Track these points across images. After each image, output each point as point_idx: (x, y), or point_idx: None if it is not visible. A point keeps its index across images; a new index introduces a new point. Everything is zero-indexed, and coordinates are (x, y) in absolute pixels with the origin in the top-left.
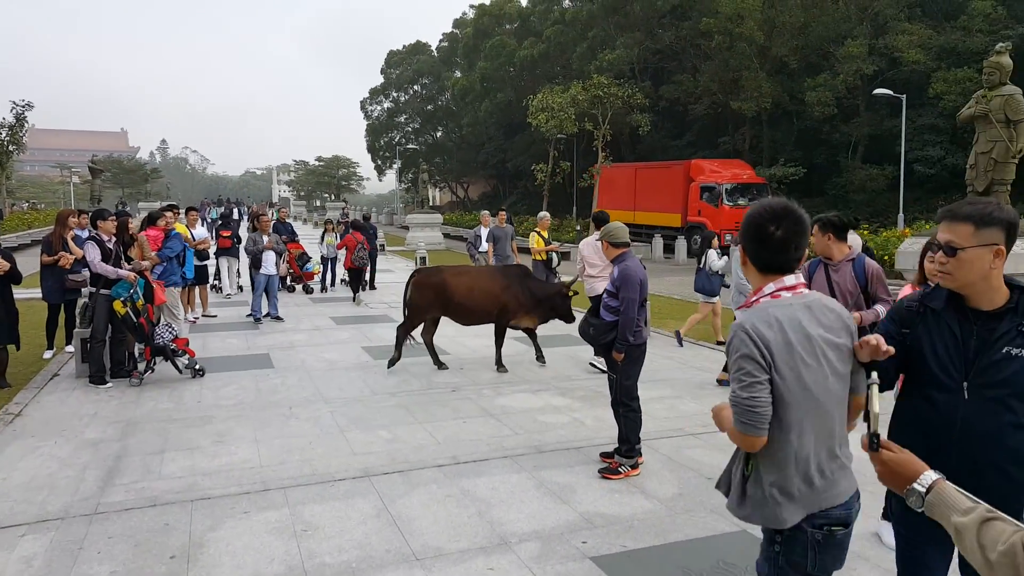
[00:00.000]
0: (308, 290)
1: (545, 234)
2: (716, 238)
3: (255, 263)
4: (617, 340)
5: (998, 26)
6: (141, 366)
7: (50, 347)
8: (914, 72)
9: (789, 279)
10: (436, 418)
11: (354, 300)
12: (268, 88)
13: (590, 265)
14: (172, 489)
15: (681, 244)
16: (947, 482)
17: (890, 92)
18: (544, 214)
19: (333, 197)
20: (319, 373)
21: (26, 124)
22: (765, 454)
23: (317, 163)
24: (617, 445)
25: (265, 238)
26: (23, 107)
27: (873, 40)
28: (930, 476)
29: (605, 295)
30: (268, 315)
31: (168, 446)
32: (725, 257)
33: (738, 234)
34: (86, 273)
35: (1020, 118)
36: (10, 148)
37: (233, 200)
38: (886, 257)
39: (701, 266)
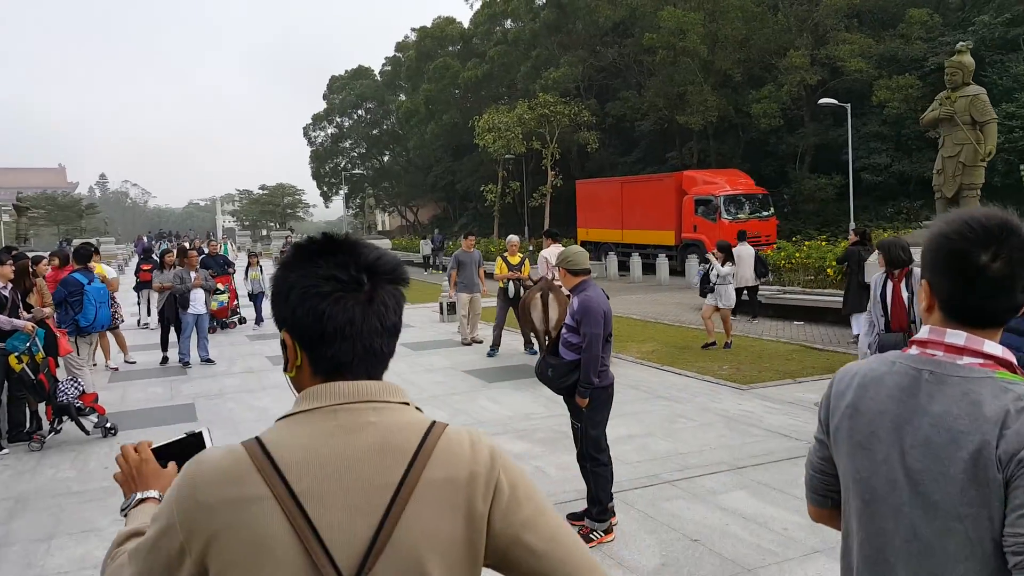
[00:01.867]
0: (222, 325)
1: (514, 259)
2: (721, 249)
3: (182, 303)
4: (580, 383)
5: (935, 33)
6: (45, 427)
7: None
8: (856, 81)
9: (990, 345)
10: None
11: None
12: (210, 118)
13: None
14: None
15: (663, 262)
16: None
17: (834, 101)
18: (513, 237)
19: (278, 226)
20: (247, 426)
21: None
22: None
23: (261, 192)
24: (587, 506)
25: (193, 274)
26: None
27: (815, 50)
28: None
29: (565, 330)
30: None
31: (59, 529)
32: (729, 263)
33: (922, 265)
34: None
35: (987, 119)
36: None
37: (172, 233)
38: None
39: (709, 275)
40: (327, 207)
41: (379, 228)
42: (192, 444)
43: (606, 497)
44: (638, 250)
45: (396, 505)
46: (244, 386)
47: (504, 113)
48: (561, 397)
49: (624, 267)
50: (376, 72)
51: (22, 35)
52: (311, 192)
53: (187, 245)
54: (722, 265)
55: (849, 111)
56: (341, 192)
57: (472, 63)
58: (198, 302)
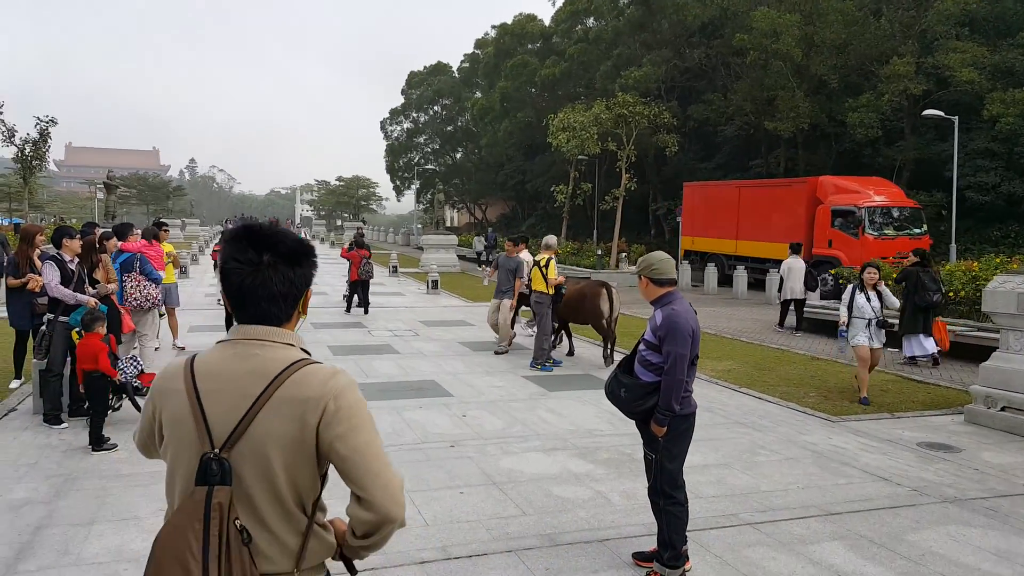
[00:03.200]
0: None
1: (541, 259)
2: (868, 267)
3: None
4: (659, 408)
5: None
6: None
7: (18, 376)
8: (965, 93)
9: None
10: (428, 485)
11: (347, 311)
12: (294, 110)
13: None
14: None
15: (740, 275)
16: None
17: (940, 113)
18: (551, 238)
19: (352, 217)
20: None
21: (50, 139)
22: None
23: (338, 183)
24: (657, 548)
25: None
26: (47, 123)
27: (921, 58)
28: None
29: (643, 347)
30: None
31: (101, 514)
32: (875, 293)
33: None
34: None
35: None
36: (33, 163)
37: (250, 217)
38: (951, 293)
39: (862, 304)
40: (399, 201)
41: (447, 224)
42: None
43: (680, 540)
44: (754, 264)
45: (251, 411)
46: None
47: (580, 112)
48: (632, 421)
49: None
50: (454, 69)
51: (123, 24)
52: (385, 186)
53: None
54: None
55: (956, 125)
56: (413, 187)
57: (551, 61)
58: None
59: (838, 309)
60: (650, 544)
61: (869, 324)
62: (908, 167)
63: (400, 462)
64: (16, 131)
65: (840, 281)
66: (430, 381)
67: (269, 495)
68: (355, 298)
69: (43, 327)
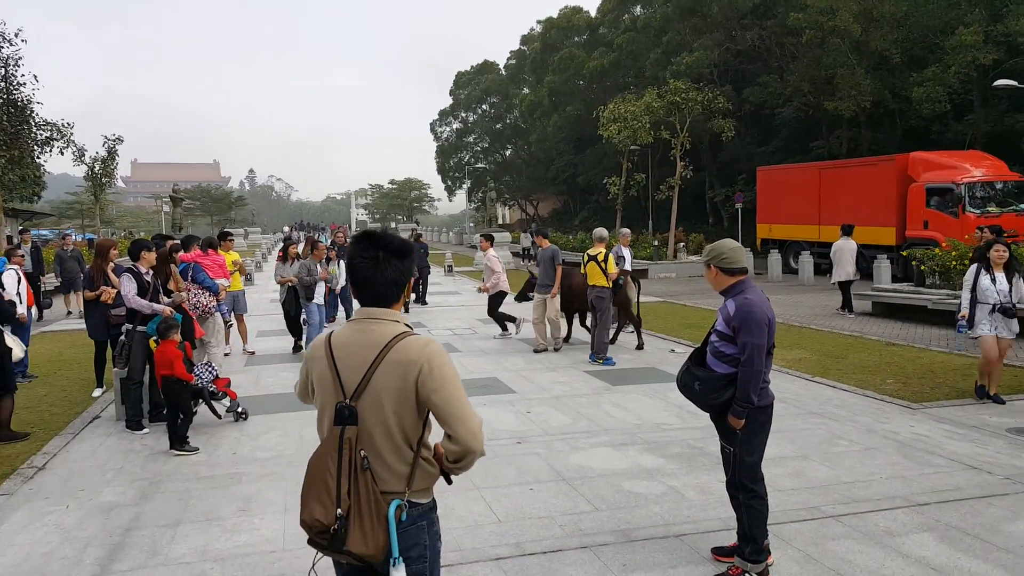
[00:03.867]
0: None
1: (598, 253)
2: (995, 243)
3: (308, 294)
4: (736, 400)
5: None
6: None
7: (99, 385)
8: None
9: None
10: (497, 481)
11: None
12: (348, 116)
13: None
14: None
15: (806, 261)
16: None
17: (1013, 83)
18: (601, 231)
19: (406, 219)
20: None
21: (117, 157)
22: None
23: (391, 186)
24: (737, 542)
25: (318, 267)
26: (114, 141)
27: (989, 27)
28: None
29: (715, 338)
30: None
31: (185, 515)
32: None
33: None
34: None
35: None
36: (103, 180)
37: (308, 223)
38: None
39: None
40: (451, 201)
41: (499, 221)
42: None
43: (761, 534)
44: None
45: (369, 371)
46: None
47: (631, 102)
48: (706, 414)
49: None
50: (501, 66)
51: (183, 41)
52: (436, 186)
53: (315, 237)
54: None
55: None
56: (464, 186)
57: (598, 52)
58: (320, 294)
59: (911, 293)
60: (729, 539)
61: (993, 310)
62: (980, 141)
63: None
64: (86, 150)
65: (922, 267)
66: (492, 378)
67: (383, 433)
68: (412, 295)
69: (122, 337)
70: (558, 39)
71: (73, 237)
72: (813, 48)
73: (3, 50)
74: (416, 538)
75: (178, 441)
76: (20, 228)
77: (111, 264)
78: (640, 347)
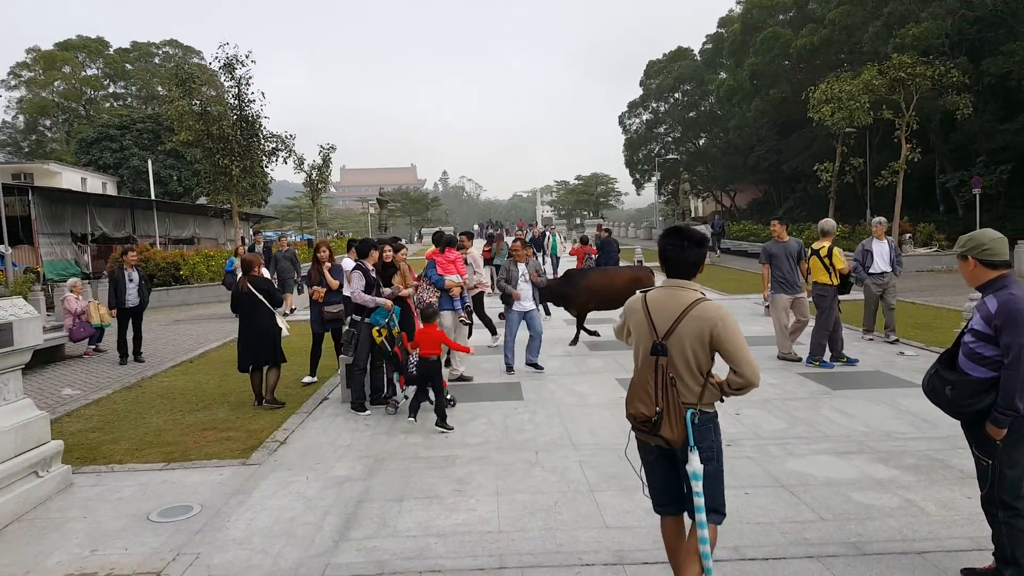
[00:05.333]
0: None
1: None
2: None
3: (505, 298)
4: (997, 407)
5: None
6: (399, 395)
7: (311, 374)
8: None
9: None
10: None
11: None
12: (536, 114)
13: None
14: (403, 553)
15: None
16: None
17: None
18: (827, 223)
19: (591, 214)
20: (569, 409)
21: (331, 164)
22: None
23: (577, 182)
24: (994, 564)
25: (522, 268)
26: (328, 149)
27: None
28: None
29: (970, 339)
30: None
31: (408, 491)
32: None
33: None
34: (339, 306)
35: None
36: (319, 186)
37: (496, 221)
38: None
39: None
40: (639, 195)
41: (693, 214)
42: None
43: None
44: None
45: (676, 321)
46: (563, 368)
47: (847, 81)
48: (950, 423)
49: None
50: (695, 52)
51: (382, 50)
52: (623, 180)
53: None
54: None
55: None
56: (653, 179)
57: (807, 29)
58: (527, 297)
59: None
60: (981, 560)
61: None
62: None
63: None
64: (304, 159)
65: None
66: None
67: (684, 364)
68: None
69: (348, 328)
70: (760, 18)
71: (288, 238)
72: None
73: (236, 71)
74: (705, 435)
75: (442, 419)
76: (253, 230)
77: (327, 265)
78: (574, 343)
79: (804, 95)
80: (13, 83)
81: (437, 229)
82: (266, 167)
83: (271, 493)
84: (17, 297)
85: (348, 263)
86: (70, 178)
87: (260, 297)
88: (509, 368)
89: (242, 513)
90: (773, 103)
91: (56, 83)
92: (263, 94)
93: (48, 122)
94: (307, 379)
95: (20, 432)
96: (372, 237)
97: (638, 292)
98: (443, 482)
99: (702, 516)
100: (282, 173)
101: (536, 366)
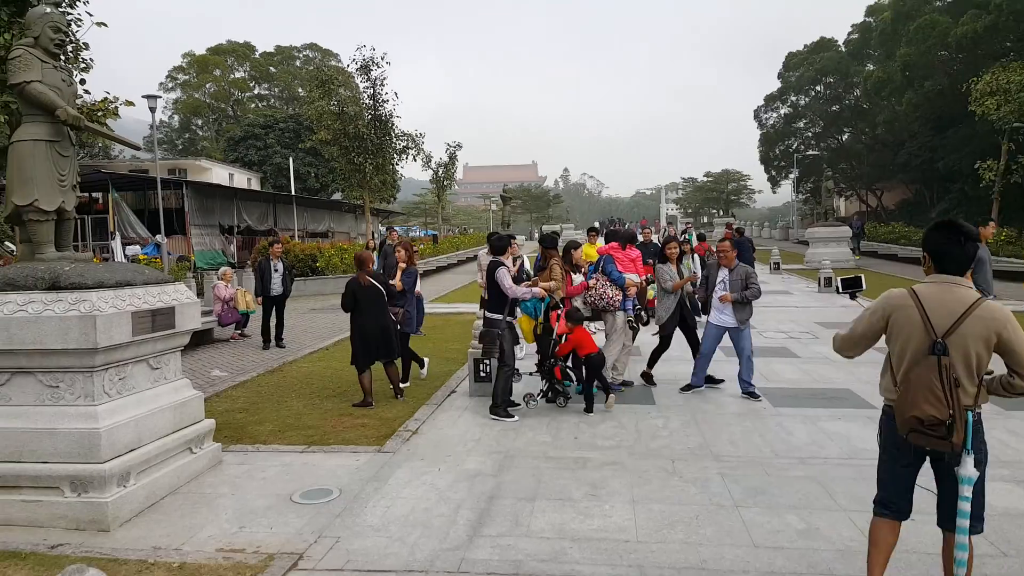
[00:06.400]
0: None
1: None
2: None
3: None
4: None
5: None
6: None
7: (421, 367)
8: None
9: None
10: (864, 504)
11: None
12: (660, 111)
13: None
14: (538, 554)
15: None
16: None
17: None
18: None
19: (721, 212)
20: (706, 417)
21: (457, 162)
22: None
23: (705, 179)
24: None
25: (723, 273)
26: (454, 147)
27: None
28: None
29: None
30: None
31: (540, 491)
32: None
33: None
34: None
35: None
36: (445, 182)
37: (618, 219)
38: None
39: None
40: (774, 192)
41: (835, 215)
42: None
43: None
44: None
45: (959, 320)
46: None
47: (1016, 71)
48: None
49: None
50: (840, 43)
51: (507, 46)
52: (757, 178)
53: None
54: None
55: None
56: (790, 176)
57: (968, 16)
58: (724, 310)
59: None
60: None
61: None
62: None
63: (827, 477)
64: (431, 156)
65: None
66: (844, 390)
67: (963, 364)
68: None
69: (487, 328)
70: (914, 6)
71: (396, 232)
72: None
73: (372, 72)
74: (979, 438)
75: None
76: (387, 226)
77: (401, 267)
78: None
79: (964, 87)
80: (170, 86)
81: (612, 225)
82: (396, 165)
83: (405, 482)
84: (179, 283)
85: (484, 257)
86: (219, 174)
87: (379, 291)
88: (690, 387)
89: (378, 500)
90: (928, 96)
91: (207, 85)
92: (396, 94)
93: (200, 121)
94: (423, 372)
95: (178, 410)
96: (502, 231)
97: (899, 288)
98: (575, 484)
99: (965, 522)
100: (408, 171)
101: (753, 394)
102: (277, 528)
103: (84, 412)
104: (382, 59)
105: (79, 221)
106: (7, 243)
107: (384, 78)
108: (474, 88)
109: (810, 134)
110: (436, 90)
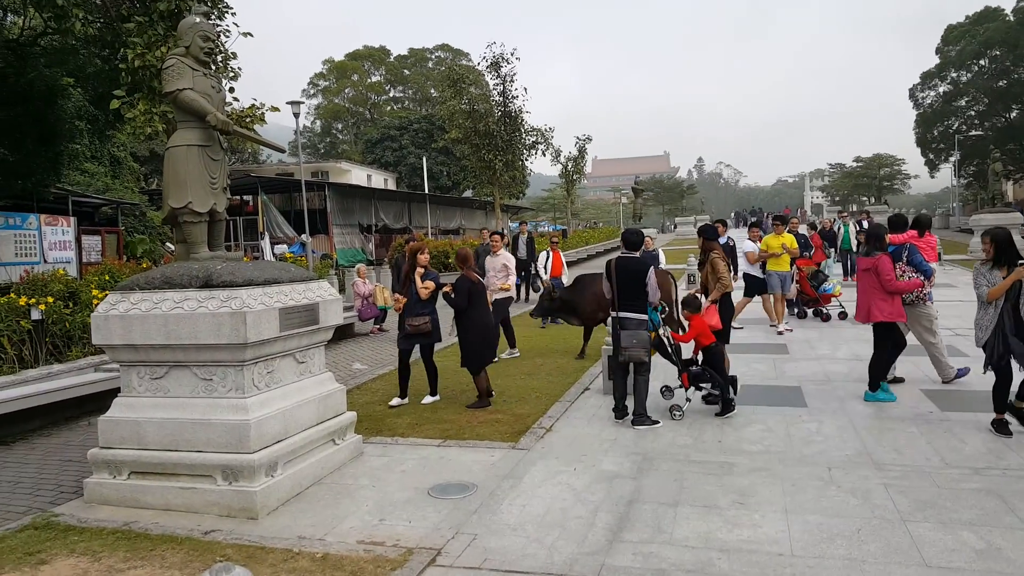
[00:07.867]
0: (824, 316)
1: None
2: None
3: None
4: None
5: None
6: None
7: (401, 396)
8: None
9: None
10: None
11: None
12: (804, 97)
13: None
14: (683, 564)
15: None
16: None
17: None
18: None
19: (872, 199)
20: (864, 422)
21: (586, 155)
22: None
23: (855, 164)
24: None
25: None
26: (584, 140)
27: None
28: None
29: None
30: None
31: (683, 497)
32: None
33: None
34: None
35: None
36: (574, 177)
37: (759, 209)
38: None
39: None
40: (932, 177)
41: (1004, 200)
42: None
43: None
44: None
45: None
46: (853, 373)
47: None
48: None
49: None
50: (1007, 12)
51: (648, 38)
52: (912, 161)
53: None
54: None
55: None
56: (950, 159)
57: None
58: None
59: None
60: None
61: None
62: None
63: (1008, 491)
64: (561, 151)
65: None
66: None
67: None
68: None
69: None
70: None
71: (527, 225)
72: None
73: (502, 69)
74: None
75: (725, 405)
76: (519, 221)
77: (420, 271)
78: (581, 356)
79: None
80: (312, 92)
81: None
82: (525, 160)
83: (541, 481)
84: (322, 280)
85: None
86: (358, 175)
87: (484, 288)
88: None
89: (514, 498)
90: None
91: (346, 90)
92: (525, 89)
93: (340, 125)
94: (395, 401)
95: (322, 402)
96: (622, 227)
97: None
98: (721, 491)
99: None
100: (538, 166)
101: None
102: (415, 522)
103: (235, 404)
104: (512, 55)
105: (231, 222)
106: (167, 244)
107: (514, 74)
108: (605, 76)
109: (973, 113)
110: (565, 82)
